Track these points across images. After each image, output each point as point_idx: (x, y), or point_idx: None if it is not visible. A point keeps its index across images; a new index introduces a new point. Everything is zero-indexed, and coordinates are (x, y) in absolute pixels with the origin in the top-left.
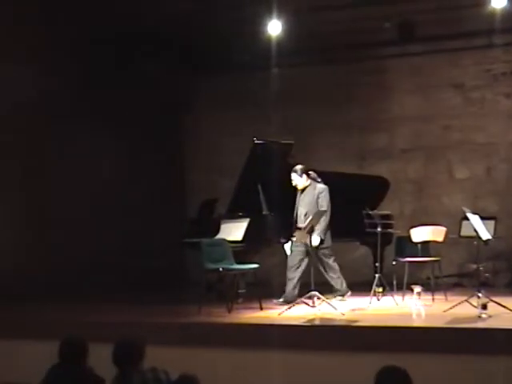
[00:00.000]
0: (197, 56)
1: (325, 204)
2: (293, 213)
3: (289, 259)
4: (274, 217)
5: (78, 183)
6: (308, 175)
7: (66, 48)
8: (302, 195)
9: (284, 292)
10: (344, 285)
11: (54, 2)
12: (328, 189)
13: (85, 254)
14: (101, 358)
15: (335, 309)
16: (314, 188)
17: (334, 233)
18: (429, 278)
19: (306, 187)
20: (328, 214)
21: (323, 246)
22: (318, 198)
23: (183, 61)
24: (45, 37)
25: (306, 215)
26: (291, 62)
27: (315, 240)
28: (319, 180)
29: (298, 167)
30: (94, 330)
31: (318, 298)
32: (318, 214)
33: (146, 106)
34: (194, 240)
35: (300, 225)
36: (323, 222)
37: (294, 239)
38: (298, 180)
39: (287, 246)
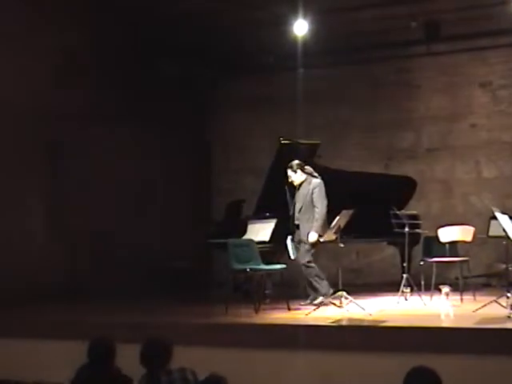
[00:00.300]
0: (223, 57)
1: (319, 200)
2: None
3: (311, 260)
4: None
5: (106, 184)
6: (303, 170)
7: (98, 48)
8: (299, 191)
9: (311, 294)
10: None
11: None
12: (323, 183)
13: (111, 254)
14: (129, 359)
15: (363, 309)
16: (309, 183)
17: (362, 233)
18: (457, 278)
19: (303, 182)
20: (321, 209)
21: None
22: (312, 193)
23: (210, 62)
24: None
25: (300, 211)
26: (317, 63)
27: (312, 236)
28: (315, 174)
29: (294, 163)
30: (122, 331)
31: (346, 298)
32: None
33: (174, 107)
34: (221, 241)
35: (296, 222)
36: (320, 218)
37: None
38: (294, 176)
39: (290, 247)
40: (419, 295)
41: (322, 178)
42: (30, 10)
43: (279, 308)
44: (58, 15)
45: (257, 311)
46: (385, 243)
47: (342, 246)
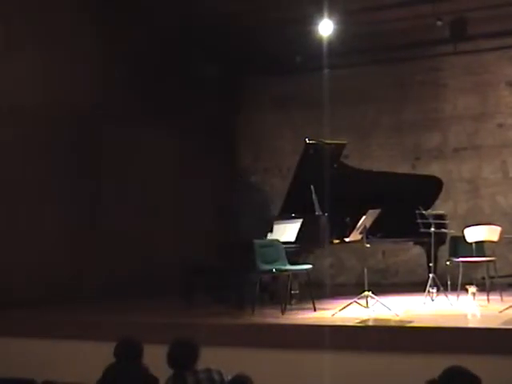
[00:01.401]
0: (249, 57)
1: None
2: (347, 213)
3: None
4: (327, 217)
5: (136, 184)
6: None
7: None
8: None
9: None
10: None
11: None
12: None
13: (136, 255)
14: (155, 359)
15: (389, 309)
16: None
17: (388, 233)
18: (484, 278)
19: None
20: None
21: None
22: None
23: (237, 62)
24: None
25: None
26: (343, 63)
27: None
28: None
29: None
30: (149, 331)
31: (372, 299)
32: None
33: (203, 108)
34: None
35: None
36: None
37: None
38: None
39: None
40: (445, 295)
41: (349, 178)
42: (74, 10)
43: (305, 308)
44: (99, 16)
45: (283, 312)
46: (411, 243)
47: (368, 246)
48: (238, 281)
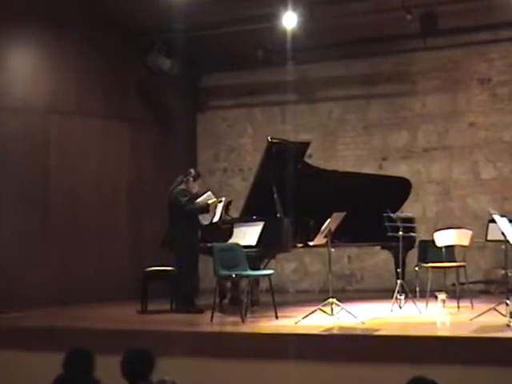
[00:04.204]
0: (208, 51)
1: None
2: (311, 216)
3: None
4: (290, 220)
5: (87, 182)
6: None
7: None
8: None
9: None
10: None
11: None
12: None
13: (88, 257)
14: (108, 370)
15: (355, 317)
16: None
17: (354, 237)
18: (454, 285)
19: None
20: None
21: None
22: None
23: (194, 57)
24: None
25: None
26: (307, 58)
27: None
28: None
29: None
30: (101, 340)
31: (337, 306)
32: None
33: (159, 103)
34: (206, 245)
35: None
36: None
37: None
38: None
39: None
40: (414, 302)
41: (313, 179)
42: None
43: (267, 316)
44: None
45: (243, 319)
46: (378, 247)
47: (332, 250)
48: (191, 285)
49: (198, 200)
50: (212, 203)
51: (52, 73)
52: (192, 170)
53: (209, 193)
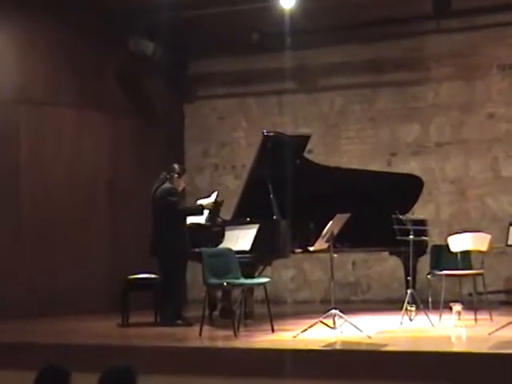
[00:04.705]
0: (197, 35)
1: None
2: (311, 217)
3: None
4: (288, 222)
5: (61, 181)
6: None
7: None
8: None
9: None
10: None
11: None
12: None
13: (63, 265)
14: None
15: (360, 331)
16: None
17: (360, 241)
18: (470, 295)
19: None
20: None
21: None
22: None
23: (182, 40)
24: None
25: None
26: (307, 42)
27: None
28: None
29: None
30: (77, 356)
31: (340, 318)
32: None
33: (143, 92)
34: (194, 250)
35: None
36: None
37: None
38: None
39: None
40: (426, 314)
41: (313, 177)
42: None
43: (262, 329)
44: None
45: (236, 333)
46: (386, 253)
47: (335, 256)
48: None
49: (202, 201)
50: (207, 206)
51: (20, 59)
52: (176, 166)
53: (215, 194)
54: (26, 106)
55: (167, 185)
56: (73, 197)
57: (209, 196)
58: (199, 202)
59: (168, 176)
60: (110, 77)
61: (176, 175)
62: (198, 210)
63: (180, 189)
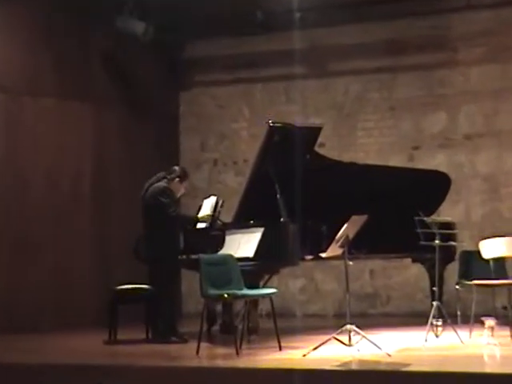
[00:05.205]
0: (194, 14)
1: None
2: (324, 220)
3: None
4: (297, 225)
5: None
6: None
7: None
8: None
9: None
10: None
11: None
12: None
13: (45, 277)
14: None
15: (379, 348)
16: None
17: (378, 246)
18: (505, 308)
19: None
20: None
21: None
22: None
23: (176, 20)
24: None
25: None
26: (318, 20)
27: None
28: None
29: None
30: (61, 376)
31: (356, 334)
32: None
33: (134, 78)
34: (190, 257)
35: None
36: None
37: None
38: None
39: None
40: (454, 330)
41: (325, 174)
42: None
43: (268, 347)
44: None
45: (238, 351)
46: (408, 260)
47: (351, 263)
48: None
49: (200, 214)
50: (202, 218)
51: None
52: (177, 168)
53: (214, 199)
54: (1, 95)
55: (162, 184)
56: (52, 197)
57: (208, 197)
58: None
59: (168, 177)
60: (94, 61)
61: (177, 179)
62: (191, 223)
63: (179, 194)
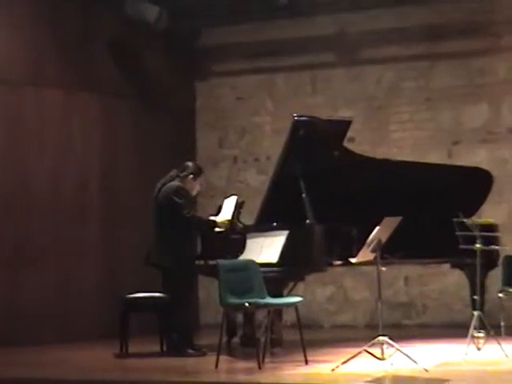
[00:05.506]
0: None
1: None
2: (353, 222)
3: None
4: (325, 228)
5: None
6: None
7: None
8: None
9: None
10: None
11: None
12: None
13: (47, 283)
14: None
15: (415, 362)
16: None
17: (414, 251)
18: None
19: None
20: None
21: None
22: None
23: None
24: None
25: None
26: (347, 3)
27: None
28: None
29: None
30: None
31: (390, 347)
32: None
33: (145, 69)
34: (208, 262)
35: None
36: None
37: None
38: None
39: None
40: (498, 342)
41: (356, 171)
42: None
43: (293, 361)
44: None
45: (261, 365)
46: (447, 266)
47: (383, 269)
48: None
49: (218, 217)
50: (221, 224)
51: None
52: (190, 164)
53: (234, 199)
54: (1, 86)
55: (175, 183)
56: (56, 199)
57: (228, 197)
58: (218, 218)
59: (181, 175)
60: (102, 50)
61: (191, 175)
62: (208, 226)
63: (194, 193)
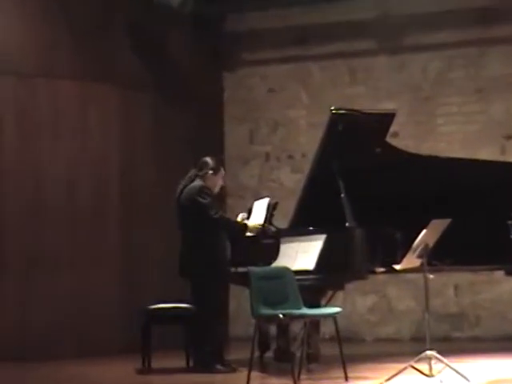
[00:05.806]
0: None
1: None
2: (397, 225)
3: None
4: (366, 232)
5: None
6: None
7: None
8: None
9: None
10: None
11: None
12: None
13: (61, 294)
14: None
15: (467, 380)
16: None
17: (464, 256)
18: None
19: None
20: None
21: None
22: None
23: None
24: None
25: None
26: None
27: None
28: None
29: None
30: None
31: (438, 362)
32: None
33: (170, 60)
34: (238, 270)
35: None
36: None
37: None
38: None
39: None
40: None
41: (399, 170)
42: None
43: (332, 377)
44: None
45: (296, 382)
46: (501, 273)
47: (431, 277)
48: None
49: (249, 221)
50: (252, 229)
51: (3, 18)
52: (209, 160)
53: (266, 201)
54: (11, 77)
55: (198, 182)
56: (73, 202)
57: (260, 199)
58: (249, 221)
59: (199, 173)
60: (121, 38)
61: (210, 172)
62: (238, 230)
63: (216, 189)
